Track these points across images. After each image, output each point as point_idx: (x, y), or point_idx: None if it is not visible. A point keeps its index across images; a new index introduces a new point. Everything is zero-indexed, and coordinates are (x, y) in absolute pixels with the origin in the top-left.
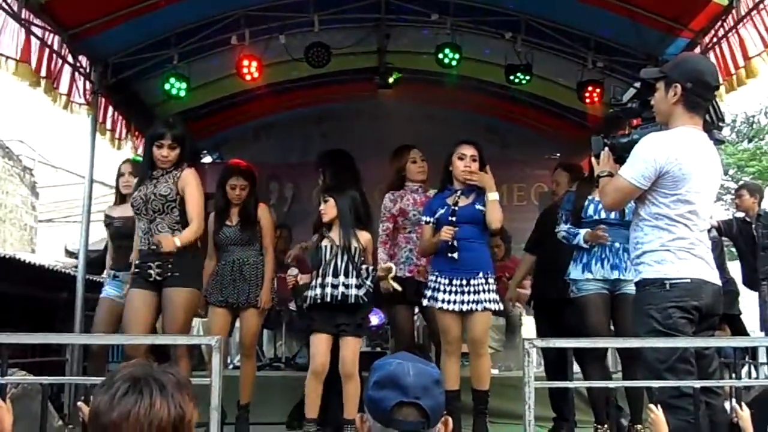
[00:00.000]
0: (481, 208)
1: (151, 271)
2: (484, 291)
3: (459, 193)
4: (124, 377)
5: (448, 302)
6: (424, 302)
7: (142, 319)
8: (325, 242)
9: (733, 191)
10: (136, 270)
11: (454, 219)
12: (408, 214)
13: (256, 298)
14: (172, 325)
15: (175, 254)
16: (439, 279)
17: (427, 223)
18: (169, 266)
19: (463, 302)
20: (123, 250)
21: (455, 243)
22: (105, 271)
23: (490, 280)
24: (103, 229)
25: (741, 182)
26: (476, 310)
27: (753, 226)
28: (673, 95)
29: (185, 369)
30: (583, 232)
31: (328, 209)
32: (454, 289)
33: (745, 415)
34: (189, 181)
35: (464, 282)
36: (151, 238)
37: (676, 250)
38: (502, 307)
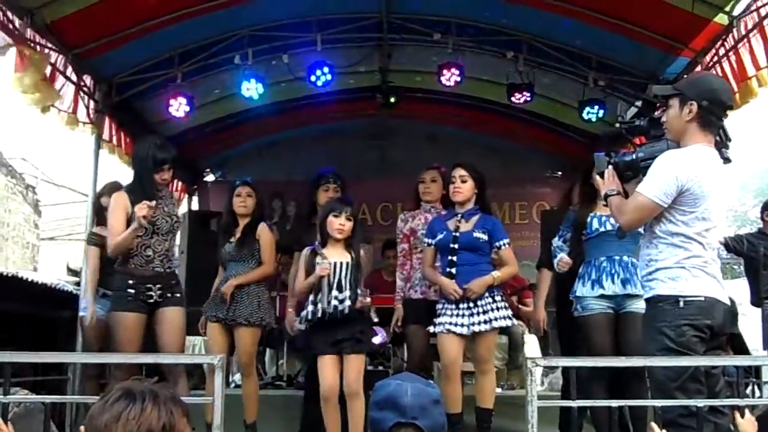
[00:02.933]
0: (479, 236)
1: (152, 293)
2: (492, 309)
3: (459, 216)
4: (121, 388)
5: (455, 325)
6: (434, 329)
7: (137, 342)
8: (318, 259)
9: (736, 210)
10: (131, 290)
11: (456, 246)
12: (417, 233)
13: (255, 317)
14: (174, 345)
15: (175, 275)
16: (446, 305)
17: (429, 245)
18: (169, 287)
19: (472, 324)
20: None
21: (453, 271)
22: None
23: (497, 297)
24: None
25: None
26: (487, 329)
27: None
28: (688, 113)
29: (184, 388)
30: (559, 256)
31: (349, 229)
32: (461, 312)
33: (742, 421)
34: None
35: (471, 304)
36: (167, 261)
37: (691, 267)
38: (515, 322)
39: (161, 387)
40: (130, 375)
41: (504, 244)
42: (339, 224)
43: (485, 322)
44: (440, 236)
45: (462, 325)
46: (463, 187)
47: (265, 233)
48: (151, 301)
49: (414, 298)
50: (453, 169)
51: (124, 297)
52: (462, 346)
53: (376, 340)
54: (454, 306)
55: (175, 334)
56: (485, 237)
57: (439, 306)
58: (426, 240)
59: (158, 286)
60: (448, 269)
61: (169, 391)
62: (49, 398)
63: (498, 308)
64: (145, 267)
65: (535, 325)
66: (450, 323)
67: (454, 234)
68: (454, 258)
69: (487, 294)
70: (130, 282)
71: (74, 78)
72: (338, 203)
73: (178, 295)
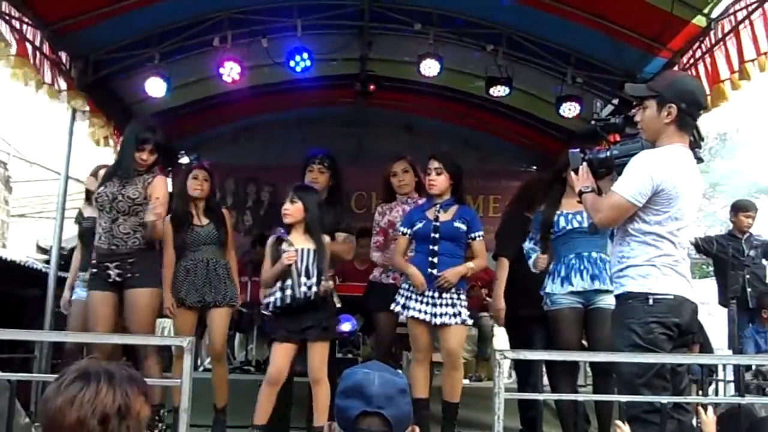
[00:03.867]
0: (459, 226)
1: (110, 272)
2: (457, 305)
3: (438, 207)
4: (75, 369)
5: (419, 311)
6: (396, 309)
7: (105, 320)
8: (284, 246)
9: (704, 209)
10: (94, 270)
11: (437, 236)
12: (396, 225)
13: (229, 297)
14: (136, 326)
15: (134, 254)
16: (412, 288)
17: (404, 234)
18: (128, 266)
19: (436, 314)
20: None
21: (435, 260)
22: (75, 273)
23: (462, 296)
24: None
25: (743, 200)
26: (455, 323)
27: (742, 242)
28: (666, 115)
29: (154, 369)
30: (534, 256)
31: (295, 212)
32: (426, 300)
33: (707, 419)
34: (158, 189)
35: (436, 294)
36: (112, 238)
37: (661, 266)
38: (470, 321)
39: (119, 366)
40: (105, 356)
41: (479, 236)
42: (284, 209)
43: (454, 315)
44: (419, 225)
45: (426, 313)
46: (438, 180)
47: (229, 220)
48: (110, 280)
49: (385, 283)
50: (428, 160)
51: (90, 277)
52: (430, 332)
53: (347, 327)
54: (419, 293)
55: (135, 316)
56: (464, 227)
57: (405, 286)
58: (402, 229)
59: (115, 264)
60: (430, 258)
61: (126, 370)
62: (15, 376)
63: (462, 305)
64: (98, 245)
65: (496, 315)
66: (414, 309)
67: (434, 224)
68: (436, 247)
69: (453, 289)
70: (93, 262)
71: (50, 54)
72: (290, 190)
73: (138, 274)
